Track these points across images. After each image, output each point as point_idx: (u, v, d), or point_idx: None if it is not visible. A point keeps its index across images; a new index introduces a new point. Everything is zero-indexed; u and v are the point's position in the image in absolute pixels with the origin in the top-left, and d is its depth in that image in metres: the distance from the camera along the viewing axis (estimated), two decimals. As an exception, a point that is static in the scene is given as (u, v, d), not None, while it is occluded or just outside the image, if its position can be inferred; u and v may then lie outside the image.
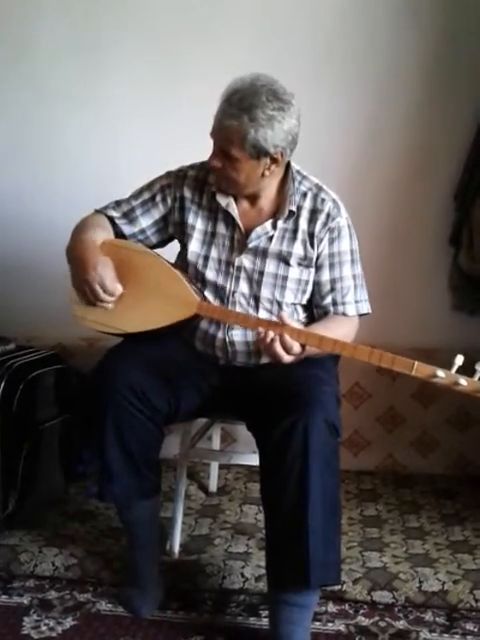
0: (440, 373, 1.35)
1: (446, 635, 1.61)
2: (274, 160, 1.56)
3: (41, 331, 2.40)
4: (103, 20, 2.36)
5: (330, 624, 1.65)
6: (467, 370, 1.35)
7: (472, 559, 1.85)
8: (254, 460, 1.91)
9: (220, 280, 1.67)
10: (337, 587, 1.71)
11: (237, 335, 1.67)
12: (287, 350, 1.45)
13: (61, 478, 2.16)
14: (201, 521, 2.06)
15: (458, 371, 1.35)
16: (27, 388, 1.98)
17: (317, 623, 1.64)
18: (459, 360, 1.35)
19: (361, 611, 1.70)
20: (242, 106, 1.49)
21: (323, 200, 1.65)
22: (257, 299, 1.66)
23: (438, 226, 2.33)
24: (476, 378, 1.33)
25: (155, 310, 1.61)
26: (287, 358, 1.46)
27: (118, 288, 1.61)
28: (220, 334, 1.67)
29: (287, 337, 1.44)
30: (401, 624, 1.65)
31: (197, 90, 2.32)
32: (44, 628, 1.63)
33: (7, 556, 1.85)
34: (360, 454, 2.42)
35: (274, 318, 1.59)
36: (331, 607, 1.70)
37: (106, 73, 2.39)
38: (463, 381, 1.33)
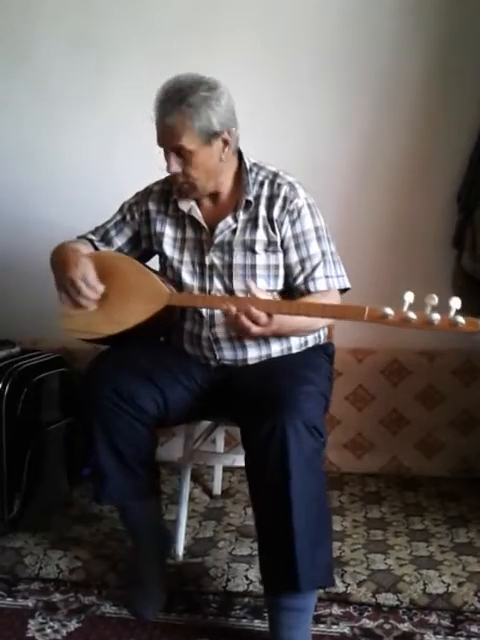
0: (389, 311, 1.36)
1: (451, 637, 1.61)
2: (225, 142, 1.61)
3: (46, 334, 2.40)
4: (103, 21, 2.38)
5: (334, 626, 1.65)
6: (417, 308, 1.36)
7: (477, 561, 1.85)
8: (258, 462, 1.93)
9: (196, 282, 1.71)
10: (342, 589, 1.72)
11: (220, 332, 1.70)
12: (254, 321, 1.47)
13: (65, 481, 2.16)
14: (205, 524, 2.06)
15: (409, 309, 1.36)
16: (32, 391, 1.99)
17: (321, 625, 1.64)
18: (409, 297, 1.35)
19: (365, 613, 1.69)
20: (176, 99, 1.56)
21: (279, 185, 1.67)
22: (232, 293, 1.69)
23: (441, 228, 2.33)
24: (426, 311, 1.34)
25: (131, 309, 1.65)
26: (255, 329, 1.48)
27: (100, 286, 1.66)
28: (204, 332, 1.71)
29: (252, 308, 1.46)
30: (405, 626, 1.65)
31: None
32: (49, 631, 1.63)
33: (12, 559, 1.85)
34: (364, 456, 2.42)
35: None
36: (335, 609, 1.70)
37: (106, 74, 2.41)
38: (412, 315, 1.34)
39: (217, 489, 2.27)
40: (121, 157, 2.42)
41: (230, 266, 1.68)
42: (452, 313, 1.32)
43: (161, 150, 1.64)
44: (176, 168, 1.61)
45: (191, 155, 1.59)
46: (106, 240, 1.81)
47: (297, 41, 2.30)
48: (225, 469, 2.31)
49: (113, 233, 1.81)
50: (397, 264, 2.39)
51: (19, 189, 2.51)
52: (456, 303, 1.32)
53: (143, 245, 1.81)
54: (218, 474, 2.26)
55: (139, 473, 1.65)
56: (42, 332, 2.42)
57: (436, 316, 1.33)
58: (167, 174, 1.72)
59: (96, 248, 1.81)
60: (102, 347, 1.78)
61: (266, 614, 1.67)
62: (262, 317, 1.47)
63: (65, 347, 2.40)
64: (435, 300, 1.32)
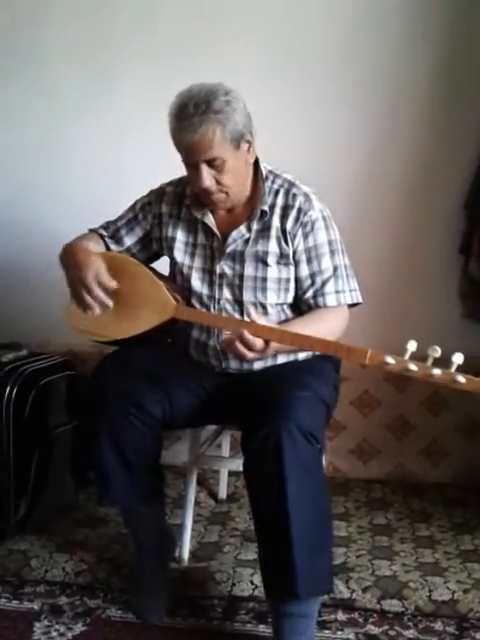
0: (390, 360, 1.35)
1: (456, 644, 1.61)
2: (248, 143, 1.59)
3: (52, 338, 2.41)
4: (110, 27, 2.39)
5: (339, 632, 1.65)
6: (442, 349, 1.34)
7: (482, 568, 1.85)
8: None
9: (205, 289, 1.69)
10: (347, 595, 1.72)
11: None
12: (249, 347, 1.46)
13: (72, 484, 2.17)
14: (210, 528, 2.07)
15: (411, 357, 1.35)
16: (39, 394, 1.99)
17: (326, 631, 1.64)
18: (411, 346, 1.34)
19: (371, 620, 1.69)
20: (202, 109, 1.51)
21: (294, 195, 1.65)
22: (241, 303, 1.67)
23: (448, 234, 2.33)
24: (428, 363, 1.33)
25: (137, 316, 1.65)
26: (250, 355, 1.47)
27: (113, 283, 1.64)
28: (211, 341, 1.70)
29: (247, 334, 1.45)
30: (411, 633, 1.65)
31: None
32: (54, 634, 1.63)
33: (18, 561, 1.86)
34: (369, 462, 2.42)
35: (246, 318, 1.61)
36: (340, 615, 1.70)
37: (113, 79, 2.42)
38: (413, 366, 1.33)
39: (222, 493, 2.27)
40: (128, 161, 2.43)
41: (241, 277, 1.67)
42: (453, 368, 1.31)
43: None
44: (210, 181, 1.56)
45: (223, 163, 1.55)
46: (116, 238, 1.79)
47: (303, 48, 2.31)
48: (230, 473, 2.31)
49: (123, 231, 1.79)
50: (404, 271, 2.39)
51: (25, 192, 2.52)
52: (458, 359, 1.31)
53: (154, 247, 1.79)
54: (223, 478, 2.26)
55: (143, 476, 1.65)
56: (49, 335, 2.43)
57: (437, 371, 1.32)
58: (180, 176, 1.72)
59: (106, 245, 1.79)
60: (108, 348, 1.78)
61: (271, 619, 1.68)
62: (257, 344, 1.46)
63: (72, 350, 2.40)
64: (438, 352, 1.31)
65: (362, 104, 2.32)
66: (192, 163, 1.57)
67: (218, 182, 1.58)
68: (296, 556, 1.42)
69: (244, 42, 2.32)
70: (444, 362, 1.33)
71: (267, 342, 1.47)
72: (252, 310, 1.50)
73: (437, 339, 2.37)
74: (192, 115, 1.51)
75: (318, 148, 2.34)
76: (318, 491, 1.48)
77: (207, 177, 1.56)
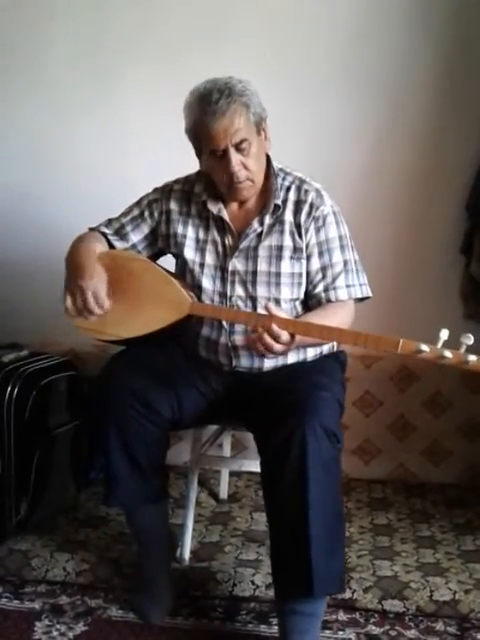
0: (424, 347, 1.36)
1: (457, 645, 1.61)
2: (264, 131, 1.64)
3: (54, 338, 2.42)
4: (113, 27, 2.40)
5: (340, 632, 1.65)
6: (452, 345, 1.36)
7: (484, 569, 1.85)
8: (265, 467, 1.93)
9: (217, 286, 1.69)
10: (348, 595, 1.72)
11: (239, 339, 1.68)
12: (275, 339, 1.46)
13: (73, 484, 2.17)
14: (211, 528, 2.06)
15: (443, 346, 1.35)
16: (40, 394, 1.99)
17: (327, 631, 1.64)
18: (444, 334, 1.35)
19: (372, 620, 1.69)
20: (226, 94, 1.55)
21: (306, 191, 1.67)
22: (254, 299, 1.67)
23: (449, 235, 2.33)
24: (461, 350, 1.33)
25: (150, 314, 1.64)
26: (277, 347, 1.47)
27: (107, 303, 1.63)
28: (222, 339, 1.69)
29: (274, 326, 1.45)
30: (412, 633, 1.64)
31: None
32: (55, 633, 1.63)
33: (19, 561, 1.86)
34: (371, 463, 2.42)
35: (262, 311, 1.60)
36: (341, 615, 1.70)
37: (116, 79, 2.42)
38: (448, 354, 1.34)
39: (223, 493, 2.27)
40: (132, 160, 2.43)
41: (254, 273, 1.66)
42: None
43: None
44: (239, 166, 1.58)
45: (250, 146, 1.58)
46: (121, 235, 1.76)
47: (305, 51, 2.31)
48: (231, 473, 2.31)
49: (129, 228, 1.76)
50: (405, 271, 2.39)
51: (29, 193, 2.52)
52: None
53: (159, 244, 1.77)
54: (224, 478, 2.26)
55: (150, 476, 1.64)
56: (50, 335, 2.44)
57: (472, 357, 1.32)
58: (186, 174, 1.73)
59: (110, 243, 1.76)
60: (112, 348, 1.77)
61: (273, 619, 1.68)
62: (283, 335, 1.46)
63: (73, 350, 2.41)
64: (471, 339, 1.31)
65: (364, 103, 2.32)
66: (220, 149, 1.57)
67: (245, 167, 1.59)
68: (313, 556, 1.42)
69: (246, 40, 2.32)
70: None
71: (292, 335, 1.48)
72: (271, 304, 1.50)
73: (439, 340, 2.38)
74: (217, 101, 1.54)
75: (319, 148, 2.34)
76: (336, 491, 1.49)
77: (236, 162, 1.57)
